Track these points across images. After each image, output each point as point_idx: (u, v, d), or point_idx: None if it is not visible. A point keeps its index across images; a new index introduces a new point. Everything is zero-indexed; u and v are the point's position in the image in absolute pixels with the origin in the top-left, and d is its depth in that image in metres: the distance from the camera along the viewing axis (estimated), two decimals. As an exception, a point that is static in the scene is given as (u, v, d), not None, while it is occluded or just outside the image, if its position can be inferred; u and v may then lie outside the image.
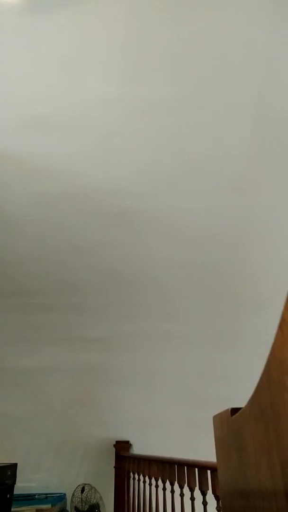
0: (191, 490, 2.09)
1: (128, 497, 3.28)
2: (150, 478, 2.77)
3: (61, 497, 3.57)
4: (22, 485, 3.31)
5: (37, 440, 3.77)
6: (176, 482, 2.30)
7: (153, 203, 2.61)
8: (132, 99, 2.14)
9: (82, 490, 3.52)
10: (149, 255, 2.93)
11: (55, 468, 3.78)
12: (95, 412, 3.73)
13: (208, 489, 1.91)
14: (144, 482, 2.89)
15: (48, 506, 3.31)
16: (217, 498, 1.74)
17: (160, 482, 2.57)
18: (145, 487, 2.87)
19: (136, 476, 3.13)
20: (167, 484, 2.42)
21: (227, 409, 0.59)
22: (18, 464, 2.98)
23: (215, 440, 0.66)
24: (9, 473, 2.82)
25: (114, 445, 3.67)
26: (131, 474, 3.31)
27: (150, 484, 2.75)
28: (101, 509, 3.46)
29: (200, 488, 1.97)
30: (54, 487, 3.68)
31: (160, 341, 3.46)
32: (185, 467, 2.21)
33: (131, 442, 3.71)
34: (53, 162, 2.41)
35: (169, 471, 2.41)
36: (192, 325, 3.33)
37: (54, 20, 1.90)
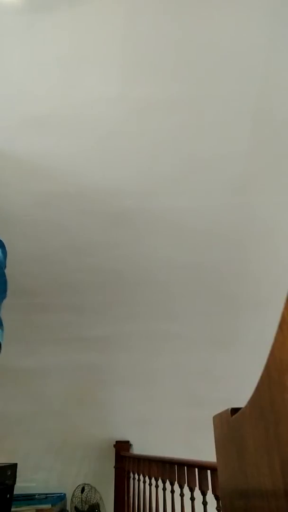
0: (191, 490, 2.09)
1: (128, 497, 3.28)
2: (150, 478, 2.77)
3: (61, 497, 3.57)
4: (22, 485, 3.31)
5: (37, 440, 3.77)
6: (176, 482, 2.30)
7: (153, 203, 2.60)
8: (132, 99, 2.14)
9: (82, 490, 3.52)
10: (149, 255, 2.92)
11: (55, 468, 3.78)
12: (95, 412, 3.73)
13: (208, 489, 1.91)
14: (144, 482, 2.88)
15: (48, 506, 3.31)
16: (217, 498, 1.75)
17: (160, 482, 2.57)
18: (145, 487, 2.87)
19: (136, 476, 3.13)
20: (167, 484, 2.42)
21: (227, 409, 0.59)
22: (18, 464, 2.98)
23: (215, 440, 0.66)
24: (9, 473, 2.82)
25: (114, 445, 3.67)
26: (131, 474, 3.31)
27: (150, 484, 2.75)
28: (101, 509, 3.46)
29: (200, 488, 1.97)
30: (54, 487, 3.68)
31: (160, 341, 3.46)
32: (185, 467, 2.21)
33: (131, 442, 3.71)
34: (53, 162, 2.41)
35: (169, 471, 2.41)
36: (192, 325, 3.33)
37: (54, 20, 1.90)
